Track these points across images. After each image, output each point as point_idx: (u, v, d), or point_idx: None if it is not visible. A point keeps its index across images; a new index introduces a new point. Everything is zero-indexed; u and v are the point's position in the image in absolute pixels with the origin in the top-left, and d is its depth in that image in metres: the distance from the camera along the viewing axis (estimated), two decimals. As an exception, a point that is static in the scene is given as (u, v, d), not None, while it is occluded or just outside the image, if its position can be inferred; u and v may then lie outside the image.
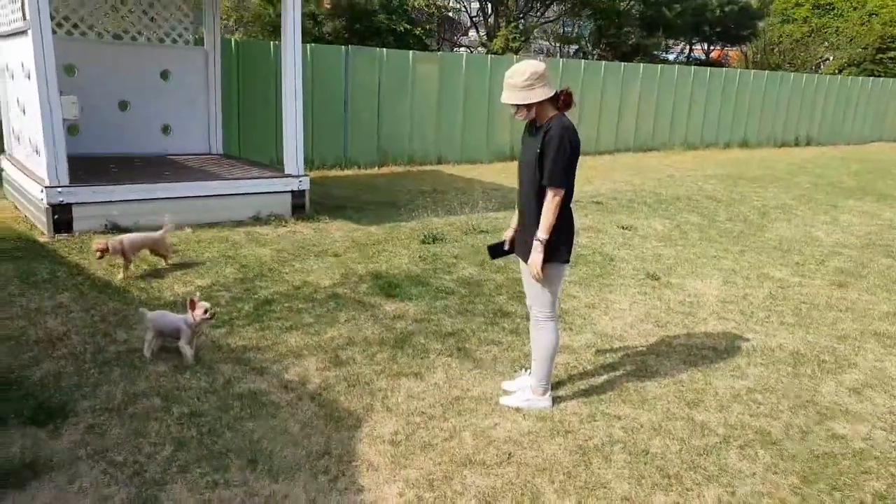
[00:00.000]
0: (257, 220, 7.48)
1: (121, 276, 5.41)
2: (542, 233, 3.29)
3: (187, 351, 3.94)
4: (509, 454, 3.14)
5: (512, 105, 3.33)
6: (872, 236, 8.25)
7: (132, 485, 2.83)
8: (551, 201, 3.28)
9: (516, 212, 3.64)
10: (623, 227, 8.06)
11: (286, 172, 7.85)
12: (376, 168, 12.17)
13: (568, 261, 3.44)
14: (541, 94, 3.25)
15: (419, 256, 6.43)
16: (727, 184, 12.02)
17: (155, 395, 3.61)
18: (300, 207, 7.87)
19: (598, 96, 15.49)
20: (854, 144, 21.13)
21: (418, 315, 4.91)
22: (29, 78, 6.56)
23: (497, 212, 8.57)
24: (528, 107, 3.30)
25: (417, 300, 5.23)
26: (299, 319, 4.75)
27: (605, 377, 4.04)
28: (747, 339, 4.76)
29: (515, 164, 13.43)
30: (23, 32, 6.43)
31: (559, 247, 3.36)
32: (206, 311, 3.92)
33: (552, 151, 3.25)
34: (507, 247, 3.69)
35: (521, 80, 3.24)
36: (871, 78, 22.73)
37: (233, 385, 3.73)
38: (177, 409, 3.47)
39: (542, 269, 3.31)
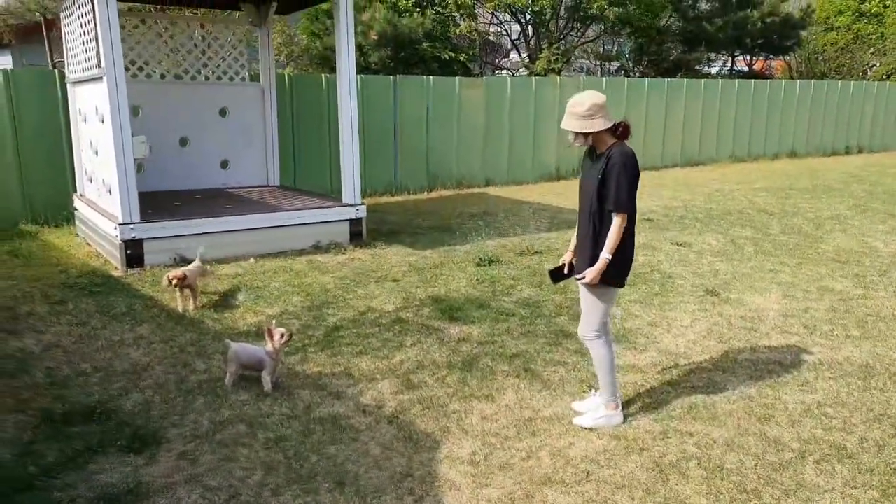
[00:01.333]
0: (317, 248, 7.73)
1: (191, 306, 5.67)
2: (607, 252, 3.44)
3: (267, 382, 4.09)
4: (587, 472, 3.21)
5: (571, 132, 3.49)
6: (936, 245, 8.06)
7: (230, 506, 3.01)
8: (618, 226, 3.44)
9: (574, 235, 3.78)
10: (677, 244, 8.05)
11: (344, 202, 8.10)
12: (426, 192, 12.40)
13: (622, 285, 3.62)
14: (600, 124, 3.42)
15: (476, 279, 6.56)
16: (778, 196, 11.85)
17: (239, 421, 3.80)
18: (358, 235, 8.10)
19: (643, 112, 15.49)
20: (908, 150, 20.56)
21: (482, 337, 5.03)
22: (103, 121, 6.98)
23: (549, 232, 8.65)
24: (587, 135, 3.47)
25: (480, 323, 5.35)
26: (368, 344, 4.92)
27: (673, 394, 4.08)
28: (812, 353, 4.73)
29: (561, 183, 13.54)
30: (98, 79, 6.85)
31: (615, 270, 3.50)
32: (282, 336, 4.09)
33: (615, 177, 3.40)
34: (566, 270, 3.81)
35: (583, 109, 3.41)
36: (923, 81, 22.11)
37: (312, 410, 3.90)
38: (262, 434, 3.65)
39: (596, 286, 3.49)
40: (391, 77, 12.28)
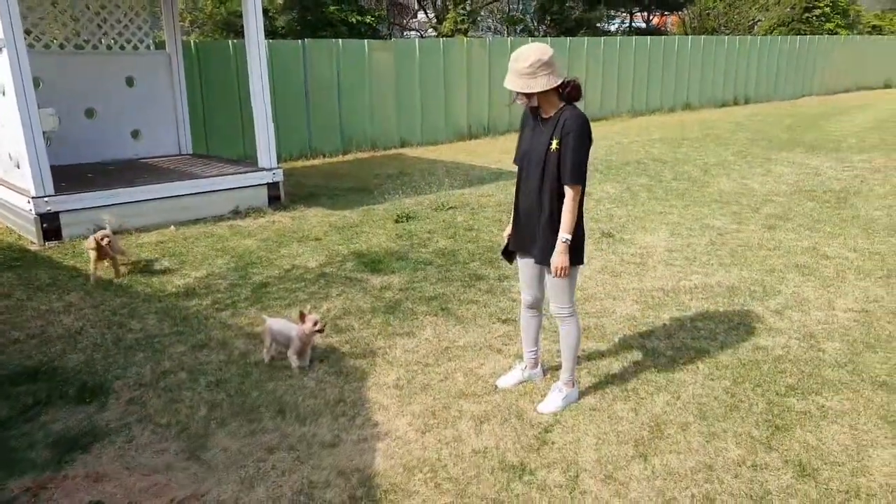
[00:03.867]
0: (237, 213, 7.92)
1: (119, 272, 5.80)
2: (566, 232, 3.16)
3: (294, 360, 4.00)
4: (496, 386, 3.75)
5: (513, 91, 3.13)
6: (800, 183, 9.09)
7: (181, 439, 3.35)
8: (573, 199, 3.15)
9: (513, 210, 3.48)
10: (578, 194, 8.70)
11: (260, 166, 8.28)
12: (341, 156, 12.62)
13: (582, 261, 3.35)
14: (544, 83, 3.04)
15: (395, 234, 6.98)
16: (672, 146, 12.80)
17: (180, 370, 4.10)
18: (276, 199, 8.32)
19: (546, 71, 16.10)
20: (787, 100, 22.27)
21: (402, 285, 5.48)
22: (3, 94, 6.85)
23: (462, 188, 9.13)
24: (529, 95, 3.12)
25: (400, 272, 5.79)
26: (295, 297, 5.27)
27: (570, 321, 4.67)
28: (690, 280, 5.45)
29: (473, 142, 13.99)
30: (-3, 51, 6.70)
31: (578, 248, 3.27)
32: (315, 324, 3.93)
33: (573, 146, 3.09)
34: (511, 246, 3.56)
35: (524, 66, 3.03)
36: (798, 36, 23.89)
37: (248, 356, 4.25)
38: (203, 379, 3.97)
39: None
40: (299, 41, 12.31)
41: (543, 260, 3.30)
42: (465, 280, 5.57)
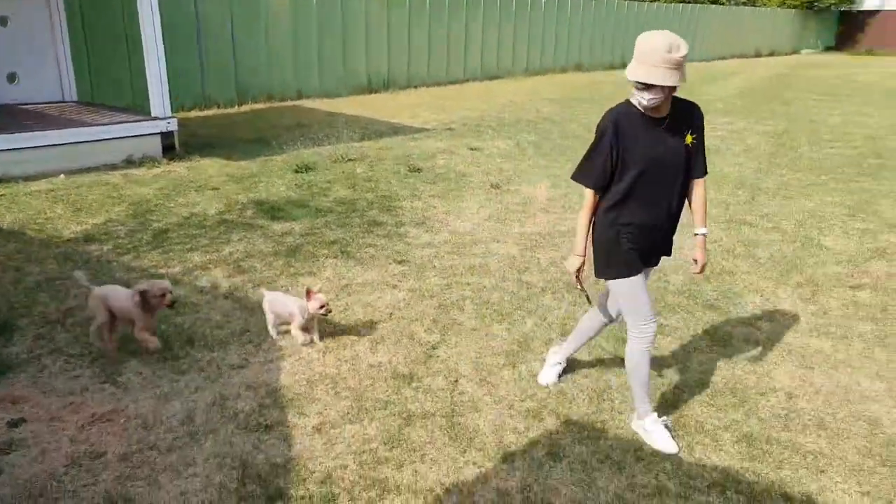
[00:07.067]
0: (130, 163, 7.83)
1: None
2: (704, 226, 3.01)
3: (299, 336, 3.78)
4: (391, 313, 4.19)
5: (657, 90, 2.65)
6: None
7: (95, 367, 3.57)
8: (706, 191, 2.99)
9: (585, 234, 3.00)
10: (472, 149, 9.21)
11: (153, 115, 8.18)
12: (237, 107, 12.47)
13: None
14: (685, 73, 2.67)
15: (295, 184, 7.20)
16: (562, 106, 13.55)
17: (86, 309, 4.25)
18: (171, 148, 8.28)
19: (444, 29, 16.39)
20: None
21: (303, 231, 5.78)
22: None
23: (362, 141, 9.40)
24: (669, 92, 2.68)
25: (301, 219, 6.07)
26: (197, 242, 5.45)
27: (458, 260, 5.17)
28: (565, 225, 6.09)
29: (373, 96, 14.27)
30: None
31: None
32: (321, 306, 3.68)
33: (702, 135, 2.89)
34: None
35: (679, 56, 2.62)
36: (682, 4, 25.33)
37: (154, 294, 4.45)
38: (110, 316, 4.15)
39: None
40: (191, -15, 11.93)
41: (668, 252, 3.11)
42: (364, 226, 5.94)
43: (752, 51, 30.13)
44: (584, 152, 2.95)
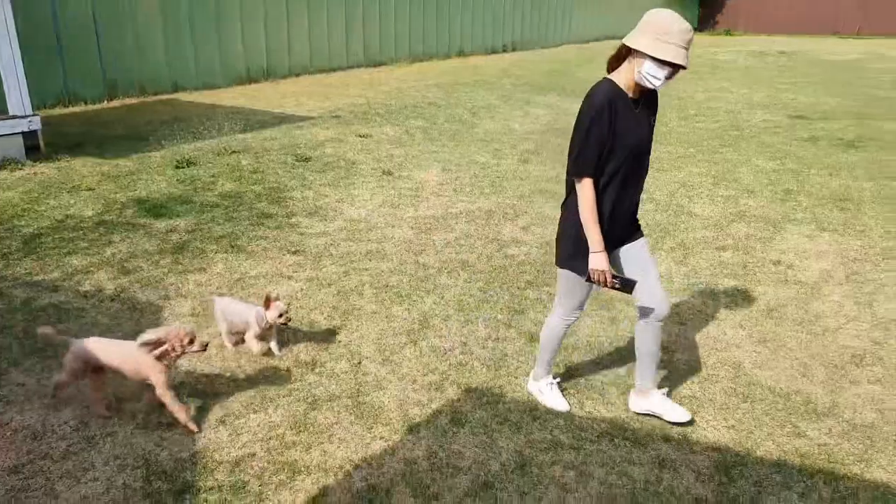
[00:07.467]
0: (-11, 165, 7.24)
1: None
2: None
3: (254, 346, 3.54)
4: (290, 303, 4.17)
5: (666, 72, 2.65)
6: (552, 123, 10.46)
7: (-31, 383, 3.35)
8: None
9: (598, 228, 2.77)
10: (361, 136, 9.21)
11: (11, 114, 7.59)
12: (106, 102, 11.73)
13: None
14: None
15: (177, 180, 6.94)
16: (446, 91, 13.74)
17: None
18: (35, 149, 7.72)
19: (324, 14, 16.15)
20: (548, 48, 24.59)
21: (189, 227, 5.60)
22: None
23: (244, 133, 9.15)
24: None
25: (185, 216, 5.87)
26: (75, 246, 5.16)
27: (354, 247, 5.22)
28: (456, 207, 6.27)
29: (252, 86, 13.83)
30: None
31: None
32: (281, 315, 3.45)
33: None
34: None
35: (691, 36, 2.63)
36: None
37: (32, 302, 4.20)
38: (-17, 329, 3.89)
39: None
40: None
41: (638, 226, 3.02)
42: (254, 219, 5.84)
43: (624, 33, 31.67)
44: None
